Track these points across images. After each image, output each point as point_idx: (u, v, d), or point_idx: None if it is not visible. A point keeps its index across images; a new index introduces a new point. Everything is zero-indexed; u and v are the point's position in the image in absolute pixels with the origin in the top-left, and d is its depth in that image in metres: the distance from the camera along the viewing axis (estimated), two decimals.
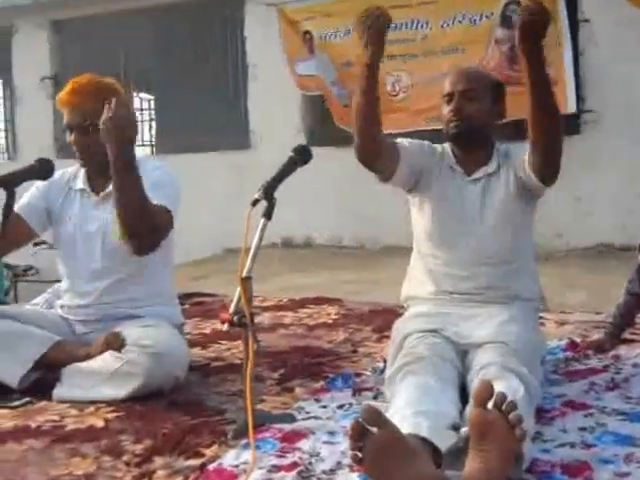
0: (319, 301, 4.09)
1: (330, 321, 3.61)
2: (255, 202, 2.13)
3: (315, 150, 2.38)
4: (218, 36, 7.51)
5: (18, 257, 3.11)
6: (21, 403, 2.37)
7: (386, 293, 4.21)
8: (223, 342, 3.17)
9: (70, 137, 2.57)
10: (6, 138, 9.82)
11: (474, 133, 2.39)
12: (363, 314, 3.72)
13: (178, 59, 7.78)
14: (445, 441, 1.76)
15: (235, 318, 2.04)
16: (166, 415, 2.25)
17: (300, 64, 6.48)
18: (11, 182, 2.19)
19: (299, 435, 2.04)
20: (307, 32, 6.45)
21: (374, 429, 1.60)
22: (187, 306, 3.98)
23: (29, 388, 2.46)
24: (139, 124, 8.37)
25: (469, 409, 1.93)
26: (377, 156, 2.36)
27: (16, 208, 2.58)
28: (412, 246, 2.58)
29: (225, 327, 2.06)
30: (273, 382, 2.59)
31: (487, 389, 1.52)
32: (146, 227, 2.39)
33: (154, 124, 9.12)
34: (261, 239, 2.13)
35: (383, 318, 3.55)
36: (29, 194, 2.66)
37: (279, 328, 3.50)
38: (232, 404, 2.35)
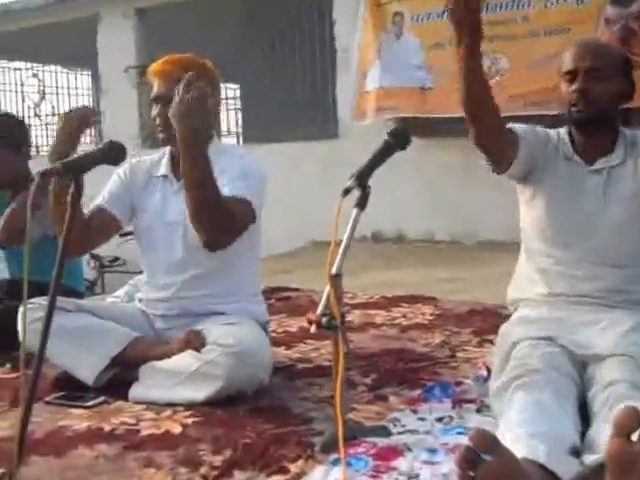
0: (413, 299, 3.84)
1: (425, 322, 3.36)
2: (347, 191, 1.91)
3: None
4: (305, 20, 7.33)
5: (105, 248, 2.99)
6: (96, 403, 2.23)
7: (485, 292, 3.94)
8: (310, 342, 2.97)
9: (154, 110, 2.40)
10: (91, 128, 9.92)
11: (601, 118, 2.10)
12: (461, 315, 3.46)
13: (264, 46, 7.64)
14: (566, 468, 1.51)
15: (323, 320, 1.83)
16: (248, 422, 2.06)
17: (370, 74, 6.25)
18: (79, 168, 2.01)
19: (395, 452, 1.82)
20: (397, 13, 6.19)
21: (487, 456, 1.36)
22: (272, 301, 3.80)
23: (105, 386, 2.33)
24: (224, 114, 8.43)
25: (594, 433, 1.68)
26: (493, 141, 2.10)
27: (99, 199, 2.44)
28: (513, 241, 2.31)
29: (312, 329, 1.85)
30: (365, 388, 2.37)
31: (633, 416, 1.26)
32: (215, 221, 2.19)
33: (240, 114, 9.05)
34: (353, 232, 1.92)
35: (483, 320, 3.28)
36: (111, 183, 2.51)
37: (369, 328, 3.27)
38: (320, 412, 2.15)
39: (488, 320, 3.26)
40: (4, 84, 10.18)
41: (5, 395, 2.36)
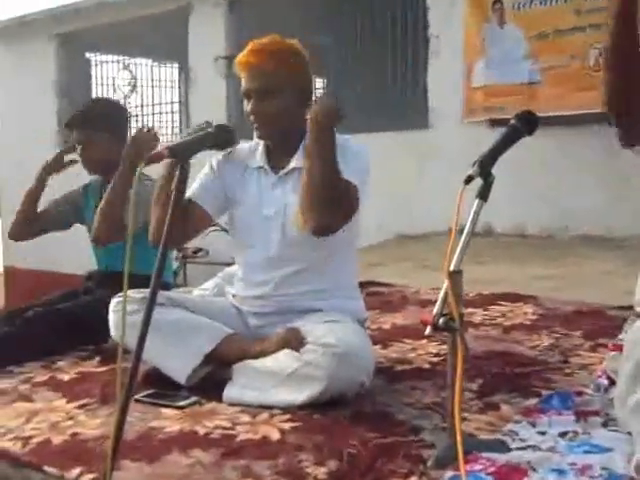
0: (511, 298, 3.61)
1: (528, 322, 3.13)
2: (469, 179, 1.73)
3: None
4: (397, 7, 7.12)
5: None
6: (188, 403, 2.11)
7: (588, 291, 3.69)
8: (407, 341, 2.81)
9: (247, 105, 2.26)
10: (180, 120, 9.98)
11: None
12: (567, 315, 3.22)
13: (353, 34, 7.46)
14: None
15: (440, 320, 1.66)
16: (351, 429, 1.90)
17: (476, 68, 6.02)
18: (185, 153, 1.90)
19: (518, 471, 1.63)
20: (497, 1, 5.95)
21: None
22: (363, 296, 3.63)
23: (197, 385, 2.21)
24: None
25: None
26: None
27: (188, 193, 2.30)
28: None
29: (427, 331, 1.68)
30: (472, 395, 2.18)
31: None
32: (332, 201, 2.05)
33: None
34: (474, 226, 1.74)
35: (592, 322, 3.04)
36: (202, 175, 2.36)
37: (468, 327, 3.06)
38: (427, 420, 1.97)
39: (598, 322, 3.02)
40: (96, 77, 10.34)
41: (94, 390, 2.27)
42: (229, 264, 2.56)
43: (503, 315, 3.28)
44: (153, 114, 10.16)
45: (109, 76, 10.33)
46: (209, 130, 2.11)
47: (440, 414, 1.98)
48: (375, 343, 2.74)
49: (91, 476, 1.64)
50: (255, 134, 2.31)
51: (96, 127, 2.89)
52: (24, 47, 10.01)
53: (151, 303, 1.60)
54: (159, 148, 1.94)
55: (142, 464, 1.72)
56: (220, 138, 2.15)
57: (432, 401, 2.10)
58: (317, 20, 7.69)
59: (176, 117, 10.14)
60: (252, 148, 2.37)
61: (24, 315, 2.68)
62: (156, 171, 2.26)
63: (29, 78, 9.89)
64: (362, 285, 3.79)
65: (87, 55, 10.38)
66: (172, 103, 10.26)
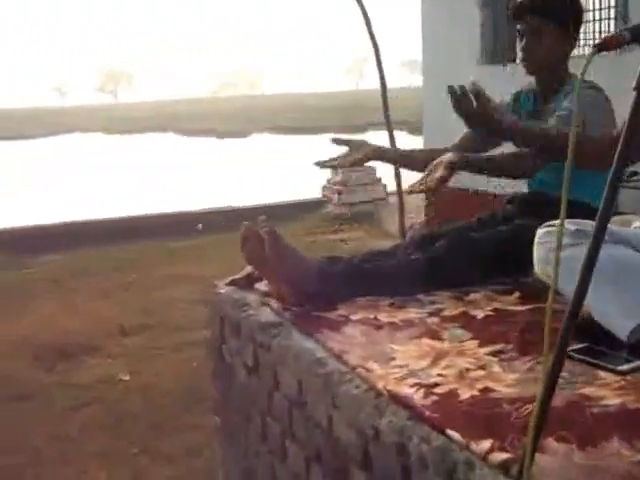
0: None
1: None
2: None
3: None
4: None
5: None
6: (632, 368, 1.62)
7: None
8: None
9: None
10: (615, 26, 8.97)
11: None
12: None
13: None
14: None
15: None
16: None
17: None
18: None
19: None
20: None
21: None
22: None
23: None
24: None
25: None
26: None
27: None
28: None
29: None
30: None
31: None
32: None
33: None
34: None
35: None
36: None
37: None
38: None
39: None
40: None
41: (512, 334, 1.89)
42: None
43: None
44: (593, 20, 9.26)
45: None
46: None
47: None
48: None
49: (503, 456, 1.28)
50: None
51: (551, 16, 2.38)
52: None
53: (598, 238, 1.15)
54: (610, 34, 1.43)
55: (571, 448, 1.30)
56: None
57: None
58: None
59: (612, 24, 9.16)
60: None
61: (437, 243, 2.39)
62: None
63: None
64: None
65: None
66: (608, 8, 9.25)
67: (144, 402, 3.99)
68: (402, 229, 6.84)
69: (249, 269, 2.45)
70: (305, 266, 2.27)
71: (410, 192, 2.22)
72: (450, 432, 1.37)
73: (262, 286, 2.40)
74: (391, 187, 8.63)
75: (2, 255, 7.78)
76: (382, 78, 7.33)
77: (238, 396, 2.41)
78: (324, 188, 10.41)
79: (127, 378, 4.33)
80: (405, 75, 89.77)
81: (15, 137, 31.95)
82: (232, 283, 2.49)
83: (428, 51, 9.41)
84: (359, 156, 2.50)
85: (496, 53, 7.95)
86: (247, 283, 2.46)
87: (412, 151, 2.75)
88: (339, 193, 9.95)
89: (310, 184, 10.77)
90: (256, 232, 2.24)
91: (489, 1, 9.18)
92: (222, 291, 2.50)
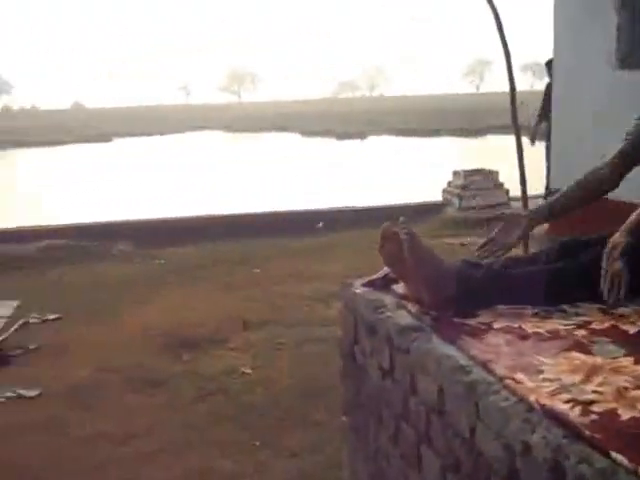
0: None
1: None
2: None
3: None
4: None
5: None
6: None
7: None
8: None
9: None
10: None
11: None
12: None
13: None
14: None
15: None
16: None
17: None
18: None
19: None
20: None
21: None
22: None
23: None
24: None
25: None
26: None
27: None
28: None
29: None
30: None
31: None
32: None
33: None
34: None
35: None
36: None
37: None
38: None
39: None
40: None
41: None
42: None
43: None
44: None
45: None
46: None
47: None
48: None
49: None
50: None
51: None
52: None
53: None
54: None
55: None
56: None
57: None
58: None
59: None
60: None
61: (579, 251, 2.28)
62: None
63: None
64: None
65: None
66: None
67: (266, 396, 4.04)
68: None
69: (386, 270, 2.42)
70: (444, 269, 2.22)
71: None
72: (615, 455, 1.30)
73: (398, 288, 2.37)
74: (513, 192, 8.45)
75: (130, 247, 8.09)
76: (512, 82, 7.13)
77: (370, 397, 2.38)
78: (444, 191, 10.27)
79: (249, 371, 4.40)
80: (528, 79, 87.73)
81: (141, 134, 33.29)
82: (369, 284, 2.47)
83: (560, 54, 9.08)
84: (513, 240, 2.38)
85: (634, 58, 7.60)
86: (383, 284, 2.44)
87: (563, 195, 2.44)
88: (460, 197, 9.80)
89: (429, 187, 10.66)
90: (395, 233, 2.21)
91: (627, 2, 8.78)
92: (357, 291, 2.48)
